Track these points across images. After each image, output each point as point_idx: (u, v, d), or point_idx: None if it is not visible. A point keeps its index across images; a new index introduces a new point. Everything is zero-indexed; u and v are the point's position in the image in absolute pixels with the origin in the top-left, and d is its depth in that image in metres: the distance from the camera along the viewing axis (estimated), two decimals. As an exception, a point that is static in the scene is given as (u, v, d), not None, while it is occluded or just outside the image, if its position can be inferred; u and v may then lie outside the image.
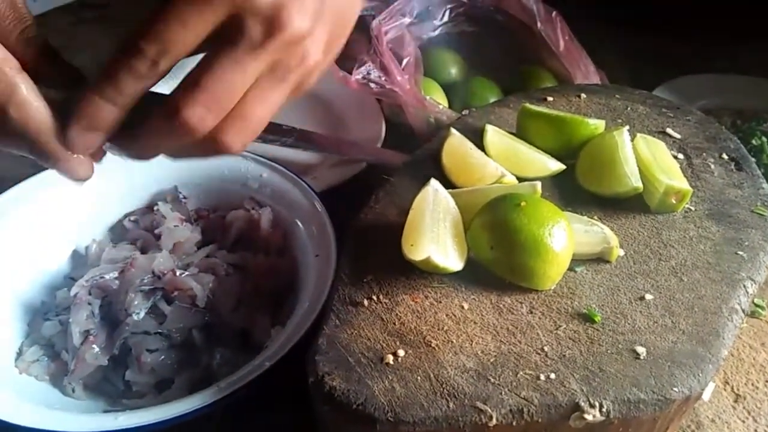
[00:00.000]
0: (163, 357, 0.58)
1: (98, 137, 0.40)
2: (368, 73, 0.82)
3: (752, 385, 0.60)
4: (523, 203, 0.52)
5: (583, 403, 0.44)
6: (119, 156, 0.42)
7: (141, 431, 0.50)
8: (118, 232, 0.71)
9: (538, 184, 0.57)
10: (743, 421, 0.58)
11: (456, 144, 0.63)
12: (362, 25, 0.90)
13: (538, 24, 0.89)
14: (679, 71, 0.97)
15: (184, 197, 0.71)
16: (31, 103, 0.38)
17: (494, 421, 0.44)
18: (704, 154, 0.65)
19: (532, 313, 0.51)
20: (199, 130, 0.38)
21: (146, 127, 0.39)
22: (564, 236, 0.51)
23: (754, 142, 0.79)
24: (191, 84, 0.38)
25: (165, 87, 0.39)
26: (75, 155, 0.40)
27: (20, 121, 0.38)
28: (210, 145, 0.40)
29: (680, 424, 0.55)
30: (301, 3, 0.38)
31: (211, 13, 0.36)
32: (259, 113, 0.40)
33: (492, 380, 0.46)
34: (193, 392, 0.54)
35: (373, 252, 0.56)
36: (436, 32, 0.95)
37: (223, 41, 0.37)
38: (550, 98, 0.72)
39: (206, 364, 0.59)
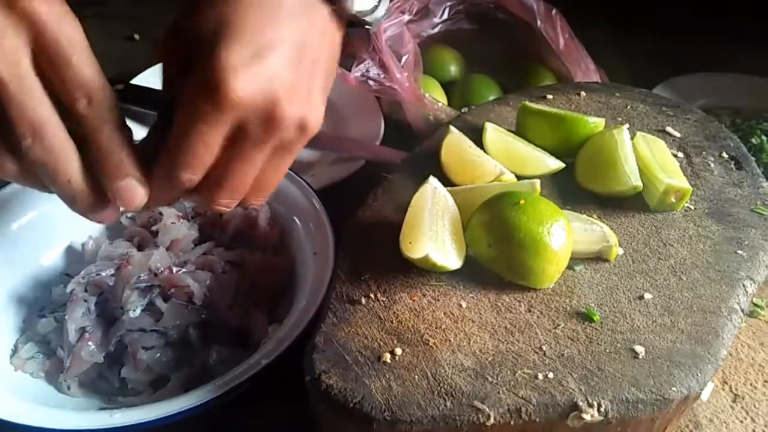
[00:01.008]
0: (159, 354, 0.58)
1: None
2: (367, 71, 0.81)
3: (750, 384, 0.60)
4: (522, 201, 0.51)
5: (581, 403, 0.44)
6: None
7: (136, 429, 0.49)
8: (114, 229, 0.71)
9: (537, 182, 0.57)
10: (741, 421, 0.58)
11: (455, 142, 0.62)
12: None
13: (538, 22, 0.89)
14: (679, 70, 0.96)
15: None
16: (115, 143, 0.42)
17: (492, 421, 0.44)
18: (704, 152, 0.65)
19: (530, 311, 0.51)
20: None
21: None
22: (563, 235, 0.51)
23: (753, 140, 0.79)
24: (215, 184, 0.44)
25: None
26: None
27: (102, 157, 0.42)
28: (203, 204, 0.46)
29: (678, 423, 0.55)
30: (291, 93, 0.43)
31: (223, 127, 0.42)
32: (271, 180, 0.47)
33: (490, 379, 0.46)
34: (188, 390, 0.53)
35: (371, 250, 0.56)
36: (436, 30, 0.95)
37: (234, 144, 0.43)
38: (549, 96, 0.72)
39: (202, 362, 0.58)
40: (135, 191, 0.43)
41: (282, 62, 0.43)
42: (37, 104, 0.39)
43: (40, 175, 0.41)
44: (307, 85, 0.45)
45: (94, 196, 0.43)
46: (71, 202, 0.43)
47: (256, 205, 0.47)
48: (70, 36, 0.40)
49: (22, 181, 0.42)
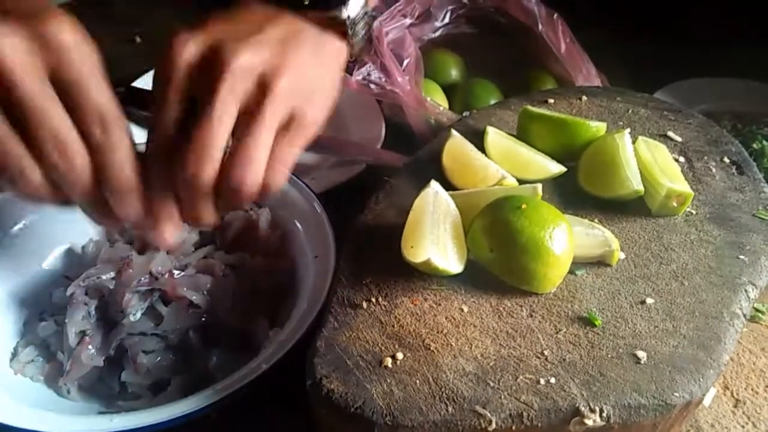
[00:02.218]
0: (159, 358, 0.58)
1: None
2: (369, 74, 0.81)
3: (752, 390, 0.60)
4: (523, 206, 0.51)
5: (583, 408, 0.44)
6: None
7: (136, 433, 0.49)
8: (114, 232, 0.70)
9: (539, 186, 0.57)
10: (743, 427, 0.57)
11: (457, 146, 0.62)
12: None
13: (539, 26, 0.89)
14: (679, 75, 0.96)
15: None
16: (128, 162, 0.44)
17: (494, 426, 0.44)
18: (705, 157, 0.65)
19: (532, 316, 0.51)
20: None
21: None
22: (565, 239, 0.51)
23: (754, 145, 0.79)
24: (233, 163, 0.44)
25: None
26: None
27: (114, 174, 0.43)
28: (228, 194, 0.46)
29: (680, 429, 0.54)
30: (282, 69, 0.45)
31: (231, 96, 0.44)
32: (284, 155, 0.47)
33: (491, 384, 0.46)
34: (189, 394, 0.53)
35: (373, 254, 0.56)
36: (437, 33, 0.95)
37: (241, 122, 0.44)
38: (551, 100, 0.72)
39: (203, 366, 0.58)
40: (137, 215, 0.45)
41: (278, 45, 0.46)
42: (61, 114, 0.41)
43: (62, 185, 0.43)
44: (300, 77, 0.46)
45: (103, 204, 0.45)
46: (94, 216, 0.46)
47: (277, 184, 0.46)
48: (89, 64, 0.42)
49: (42, 194, 0.43)
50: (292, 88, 0.45)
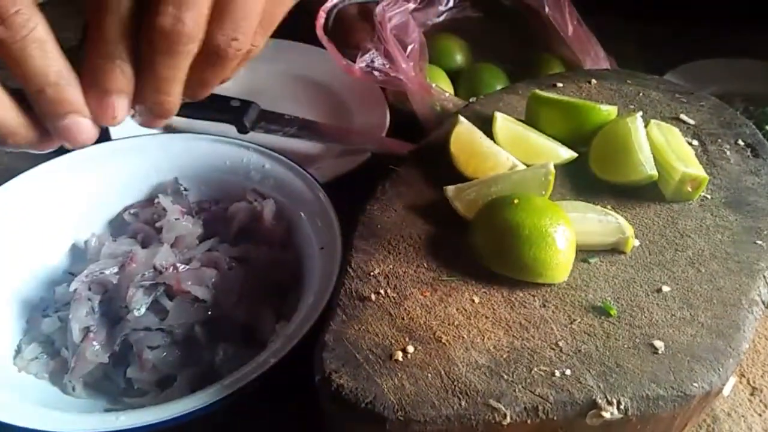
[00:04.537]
0: (164, 354, 0.57)
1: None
2: (372, 61, 0.80)
3: (769, 377, 0.59)
4: (516, 200, 0.51)
5: (600, 400, 0.43)
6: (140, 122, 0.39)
7: (143, 431, 0.48)
8: (118, 226, 0.70)
9: (551, 164, 0.56)
10: (760, 415, 0.56)
11: (465, 132, 0.61)
12: (366, 12, 0.88)
13: (546, 8, 0.87)
14: (689, 56, 0.95)
15: (185, 189, 0.69)
16: (51, 42, 0.34)
17: (508, 420, 0.43)
18: (719, 140, 0.63)
19: (545, 306, 0.49)
20: (184, 36, 0.34)
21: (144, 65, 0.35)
22: (565, 223, 0.50)
23: (767, 127, 0.77)
24: (221, 22, 0.35)
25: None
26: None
27: (41, 59, 0.34)
28: (213, 57, 0.36)
29: (698, 420, 0.53)
30: None
31: None
32: (274, 15, 0.38)
33: (505, 377, 0.44)
34: (195, 389, 0.52)
35: (380, 245, 0.54)
36: (441, 18, 0.93)
37: None
38: (559, 84, 0.70)
39: (209, 361, 0.57)
40: (81, 128, 0.36)
41: None
42: None
43: None
44: None
45: (36, 132, 0.36)
46: (6, 141, 0.36)
47: (230, 48, 0.36)
48: None
49: None
50: None
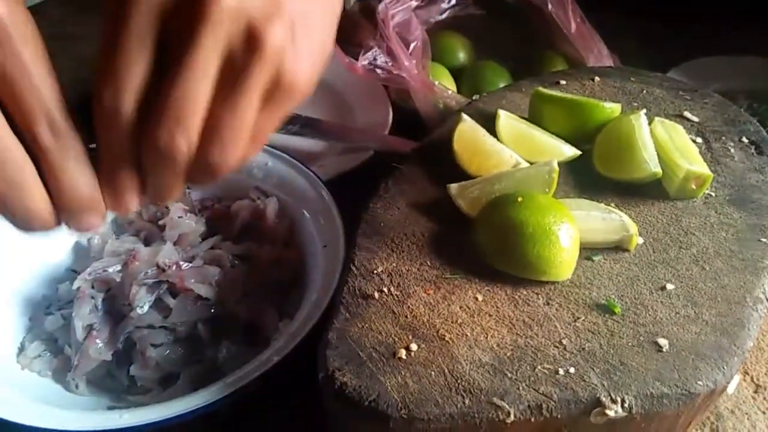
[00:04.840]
0: (168, 351, 0.57)
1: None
2: (375, 59, 0.80)
3: (773, 375, 0.59)
4: (519, 198, 0.51)
5: (604, 399, 0.43)
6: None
7: (147, 429, 0.48)
8: (120, 224, 0.69)
9: (554, 161, 0.55)
10: (764, 413, 0.56)
11: (468, 130, 0.61)
12: (368, 10, 0.88)
13: (549, 5, 0.87)
14: (692, 53, 0.94)
15: (188, 187, 0.69)
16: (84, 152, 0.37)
17: (512, 418, 0.42)
18: (723, 137, 0.63)
19: (548, 304, 0.49)
20: (174, 155, 0.36)
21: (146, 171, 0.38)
22: (568, 221, 0.50)
23: (771, 124, 0.77)
24: (213, 138, 0.37)
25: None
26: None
27: (75, 170, 0.37)
28: (204, 169, 0.38)
29: (702, 418, 0.53)
30: (272, 20, 0.36)
31: (211, 53, 0.35)
32: (265, 130, 0.39)
33: (509, 375, 0.44)
34: (198, 387, 0.52)
35: (384, 243, 0.54)
36: (444, 15, 0.93)
37: (223, 87, 0.36)
38: (562, 82, 0.70)
39: (212, 359, 0.57)
40: (95, 222, 0.38)
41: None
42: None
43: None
44: (292, 27, 0.38)
45: (54, 219, 0.38)
46: (25, 226, 0.38)
47: (220, 166, 0.38)
48: (27, 50, 0.34)
49: None
50: (282, 45, 0.37)
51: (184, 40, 0.34)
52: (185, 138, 0.36)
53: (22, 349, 0.59)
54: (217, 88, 0.36)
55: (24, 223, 0.38)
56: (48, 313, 0.61)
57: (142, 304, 0.57)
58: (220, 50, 0.35)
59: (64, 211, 0.38)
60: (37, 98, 0.34)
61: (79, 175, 0.37)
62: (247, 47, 0.35)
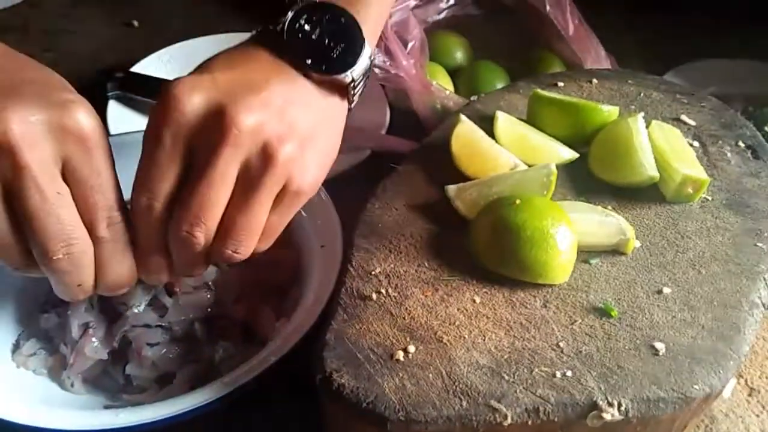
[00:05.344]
0: (164, 351, 0.57)
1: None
2: (372, 58, 0.79)
3: (767, 378, 0.59)
4: (517, 201, 0.51)
5: (601, 402, 0.43)
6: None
7: (143, 428, 0.48)
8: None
9: (553, 165, 0.55)
10: (758, 416, 0.57)
11: (466, 132, 0.61)
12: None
13: (547, 7, 0.87)
14: (689, 56, 0.94)
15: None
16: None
17: (509, 421, 0.43)
18: (720, 141, 0.63)
19: (546, 307, 0.49)
20: (194, 245, 0.44)
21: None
22: (566, 224, 0.50)
23: (767, 128, 0.78)
24: (229, 235, 0.44)
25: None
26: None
27: (120, 265, 0.45)
28: (220, 259, 0.46)
29: (697, 421, 0.54)
30: (283, 138, 0.44)
31: (232, 162, 0.42)
32: (277, 227, 0.47)
33: (506, 378, 0.44)
34: (195, 387, 0.52)
35: (381, 244, 0.54)
36: (442, 15, 0.93)
37: (239, 190, 0.44)
38: (560, 83, 0.70)
39: (208, 358, 0.57)
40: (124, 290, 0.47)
41: (283, 107, 0.45)
42: (73, 220, 0.41)
43: (53, 279, 0.43)
44: (301, 144, 0.45)
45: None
46: (69, 296, 0.45)
47: (234, 257, 0.46)
48: (105, 158, 0.41)
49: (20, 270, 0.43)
50: (293, 158, 0.44)
51: (209, 153, 0.41)
52: (203, 233, 0.43)
53: (17, 348, 0.59)
54: (235, 192, 0.43)
55: (68, 295, 0.44)
56: (44, 311, 0.60)
57: (138, 303, 0.57)
58: (239, 163, 0.42)
59: (102, 289, 0.45)
60: (103, 196, 0.42)
61: (123, 263, 0.44)
62: (262, 160, 0.42)
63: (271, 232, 0.47)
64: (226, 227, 0.44)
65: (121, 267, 0.44)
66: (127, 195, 0.70)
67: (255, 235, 0.45)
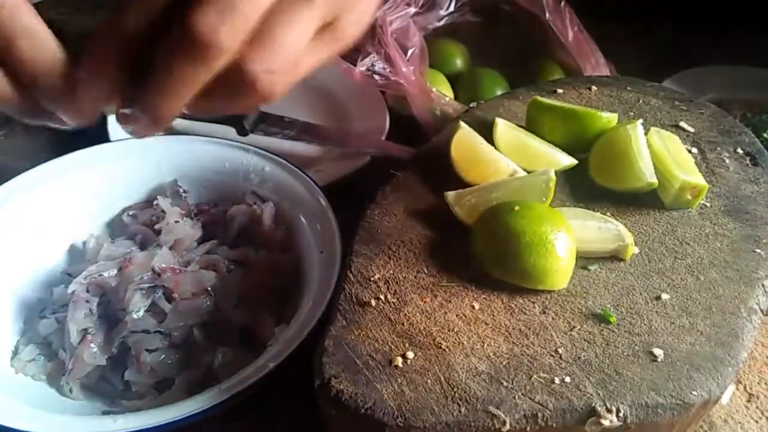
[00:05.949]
0: (163, 356, 0.57)
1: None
2: (372, 65, 0.80)
3: (765, 384, 0.59)
4: (516, 207, 0.51)
5: (599, 408, 0.43)
6: (130, 129, 0.37)
7: (141, 435, 0.48)
8: (116, 227, 0.69)
9: (552, 171, 0.56)
10: (756, 422, 0.56)
11: (465, 138, 0.61)
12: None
13: (546, 14, 0.87)
14: (687, 63, 0.95)
15: (185, 191, 0.69)
16: (40, 32, 0.35)
17: (507, 427, 0.43)
18: (719, 148, 0.63)
19: (544, 313, 0.49)
20: (215, 47, 0.32)
21: (158, 64, 0.33)
22: (565, 230, 0.51)
23: (765, 135, 0.78)
24: (266, 43, 0.33)
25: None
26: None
27: (30, 52, 0.35)
28: (237, 84, 0.34)
29: (696, 427, 0.53)
30: None
31: None
32: (289, 39, 0.34)
33: (505, 384, 0.44)
34: (193, 392, 0.52)
35: (381, 250, 0.54)
36: (442, 22, 0.93)
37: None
38: (559, 90, 0.71)
39: (207, 364, 0.57)
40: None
41: None
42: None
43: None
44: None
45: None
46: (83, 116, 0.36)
47: (262, 81, 0.34)
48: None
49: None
50: None
51: None
52: (230, 34, 0.32)
53: (16, 353, 0.59)
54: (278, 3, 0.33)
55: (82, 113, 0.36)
56: (42, 317, 0.60)
57: (137, 308, 0.57)
58: None
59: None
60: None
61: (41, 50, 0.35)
62: None
63: (302, 66, 0.37)
64: (260, 34, 0.33)
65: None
66: (130, 202, 0.69)
67: (290, 57, 0.35)
